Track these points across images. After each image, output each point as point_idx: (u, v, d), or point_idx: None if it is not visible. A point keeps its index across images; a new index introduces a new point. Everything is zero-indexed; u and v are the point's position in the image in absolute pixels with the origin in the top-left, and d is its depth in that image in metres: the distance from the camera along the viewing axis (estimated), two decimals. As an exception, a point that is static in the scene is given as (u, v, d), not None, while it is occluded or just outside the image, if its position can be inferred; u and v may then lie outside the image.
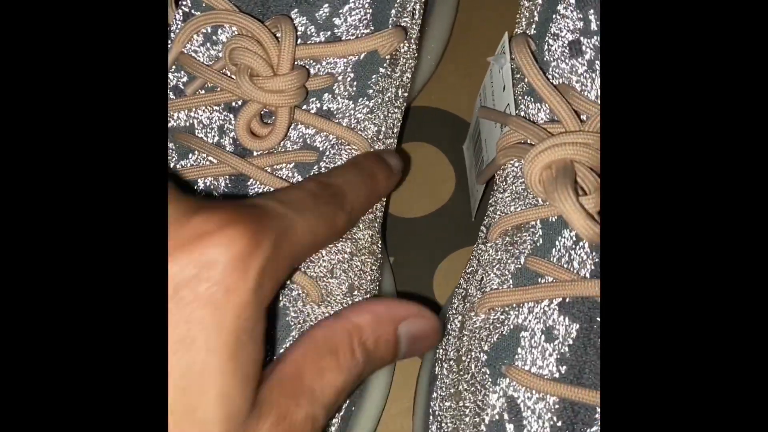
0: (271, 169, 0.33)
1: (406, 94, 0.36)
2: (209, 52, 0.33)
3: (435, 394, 0.34)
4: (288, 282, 0.32)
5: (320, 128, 0.33)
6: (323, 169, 0.33)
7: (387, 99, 0.34)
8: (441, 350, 0.35)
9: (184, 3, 0.34)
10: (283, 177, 0.33)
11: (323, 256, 0.33)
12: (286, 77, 0.31)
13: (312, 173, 0.33)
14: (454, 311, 0.35)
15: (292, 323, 0.32)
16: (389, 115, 0.35)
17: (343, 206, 0.30)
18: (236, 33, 0.33)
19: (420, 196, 0.43)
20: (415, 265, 0.42)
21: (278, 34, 0.32)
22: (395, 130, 0.36)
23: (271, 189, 0.33)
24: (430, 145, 0.45)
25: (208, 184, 0.33)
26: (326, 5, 0.32)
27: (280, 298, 0.32)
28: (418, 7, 0.35)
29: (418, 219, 0.43)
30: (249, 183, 0.33)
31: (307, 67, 0.33)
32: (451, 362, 0.34)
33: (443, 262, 0.42)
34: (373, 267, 0.35)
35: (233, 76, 0.32)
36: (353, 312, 0.28)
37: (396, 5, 0.34)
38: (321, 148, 0.33)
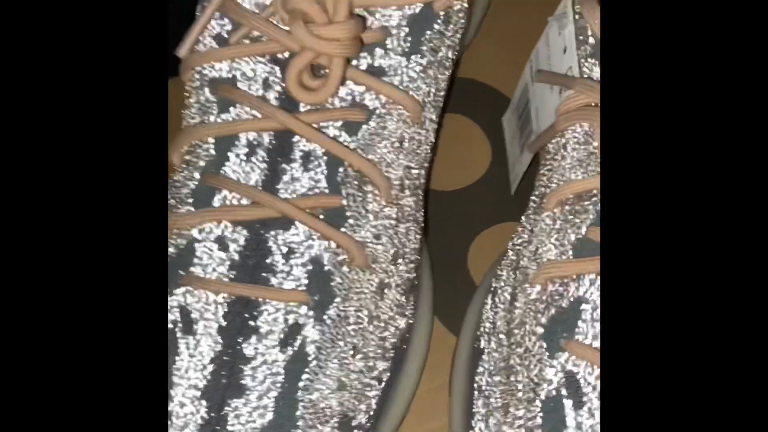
0: (317, 126, 0.31)
1: (454, 57, 0.34)
2: (256, 0, 0.31)
3: (481, 369, 0.32)
4: (335, 245, 0.31)
5: (371, 86, 0.31)
6: (372, 129, 0.31)
7: (439, 59, 0.33)
8: (487, 324, 0.33)
9: (231, -54, 0.32)
10: (330, 135, 0.31)
11: (370, 220, 0.31)
12: (342, 25, 0.29)
13: (360, 133, 0.31)
14: (502, 284, 0.33)
15: (338, 289, 0.31)
16: (439, 76, 0.33)
17: None
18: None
19: (454, 169, 0.42)
20: (449, 240, 0.40)
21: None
22: (443, 94, 0.34)
23: (318, 147, 0.31)
24: (465, 117, 0.43)
25: (251, 139, 0.31)
26: None
27: (326, 264, 0.31)
28: None
29: (452, 192, 0.41)
30: (295, 139, 0.31)
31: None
32: (501, 335, 0.32)
33: (478, 237, 0.41)
34: (417, 235, 0.34)
35: (281, 26, 0.31)
36: None
37: None
38: (371, 107, 0.32)
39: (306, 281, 0.30)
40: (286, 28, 0.31)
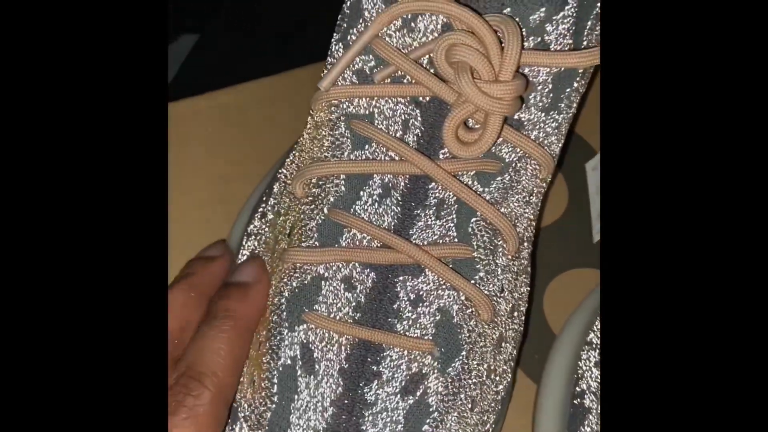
0: (453, 174, 0.31)
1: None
2: (404, 39, 0.31)
3: (588, 429, 0.32)
4: (464, 297, 0.31)
5: (509, 139, 0.31)
6: (506, 181, 0.31)
7: (571, 114, 0.33)
8: (592, 383, 0.33)
9: (386, -19, 0.31)
10: (465, 184, 0.31)
11: (498, 275, 0.31)
12: (508, 85, 0.29)
13: (493, 184, 0.31)
14: None
15: (464, 342, 0.30)
16: (567, 132, 0.33)
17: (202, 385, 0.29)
18: (442, 23, 0.30)
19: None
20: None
21: (501, 36, 0.30)
22: (560, 152, 0.34)
23: (450, 195, 0.31)
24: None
25: (386, 180, 0.31)
26: (542, 10, 0.30)
27: (454, 316, 0.30)
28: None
29: (528, 232, 0.42)
30: (431, 186, 0.31)
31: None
32: None
33: (553, 282, 0.41)
34: (528, 287, 0.34)
35: (428, 68, 0.30)
36: None
37: (591, 18, 0.32)
38: (507, 160, 0.31)
39: (433, 331, 0.30)
40: (425, 70, 0.30)
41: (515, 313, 0.32)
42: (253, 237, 0.34)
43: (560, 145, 0.33)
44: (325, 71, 0.32)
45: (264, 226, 0.34)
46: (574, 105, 0.33)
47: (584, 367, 0.34)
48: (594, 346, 0.34)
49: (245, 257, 0.34)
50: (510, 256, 0.32)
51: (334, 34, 0.33)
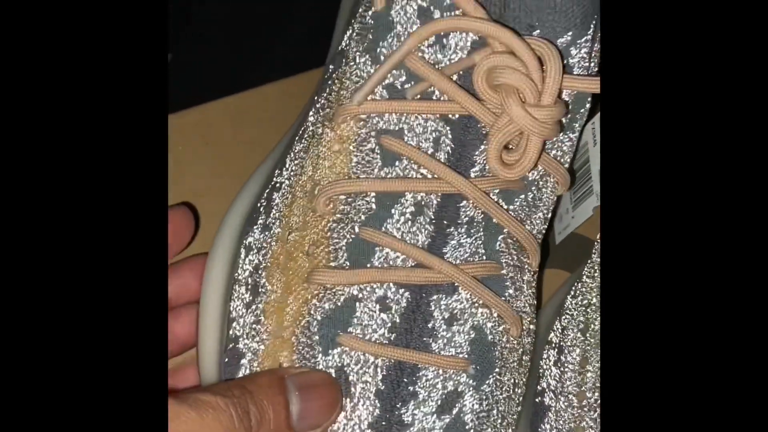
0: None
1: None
2: (435, 55, 0.30)
3: (548, 426, 0.34)
4: (496, 315, 0.31)
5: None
6: (528, 199, 0.32)
7: (578, 135, 0.33)
8: (552, 381, 0.35)
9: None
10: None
11: (524, 291, 0.32)
12: (552, 109, 0.29)
13: (517, 202, 0.32)
14: (569, 343, 0.35)
15: (497, 359, 0.31)
16: (575, 150, 0.34)
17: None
18: (471, 40, 0.30)
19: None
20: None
21: (542, 59, 0.30)
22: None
23: (478, 213, 0.31)
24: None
25: (419, 198, 0.30)
26: (569, 33, 0.31)
27: (488, 333, 0.31)
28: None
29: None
30: (462, 204, 0.31)
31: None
32: (571, 396, 0.34)
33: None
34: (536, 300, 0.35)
35: (461, 85, 0.30)
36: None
37: (598, 40, 0.33)
38: (530, 177, 0.32)
39: (468, 348, 0.30)
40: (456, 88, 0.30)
41: (532, 327, 0.33)
42: (255, 251, 0.33)
43: (570, 164, 0.33)
44: (339, 84, 0.31)
45: (270, 241, 0.32)
46: (583, 123, 0.34)
47: (545, 366, 0.35)
48: (554, 345, 0.36)
49: (248, 272, 0.32)
50: (532, 272, 0.32)
51: (354, 46, 0.32)
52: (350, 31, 0.32)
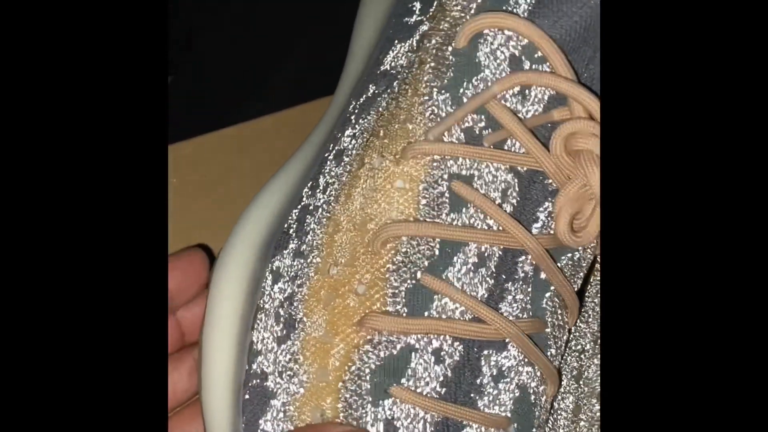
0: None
1: None
2: (516, 105, 0.29)
3: None
4: (540, 373, 0.30)
5: None
6: (575, 258, 0.31)
7: None
8: (546, 429, 0.34)
9: (512, 44, 0.29)
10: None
11: (561, 349, 0.31)
12: None
13: (564, 260, 0.31)
14: (563, 390, 0.35)
15: (536, 417, 0.30)
16: None
17: None
18: (549, 94, 0.29)
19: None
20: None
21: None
22: None
23: (531, 269, 0.30)
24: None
25: (483, 249, 0.29)
26: None
27: (531, 393, 0.30)
28: None
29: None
30: (520, 258, 0.30)
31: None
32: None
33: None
34: None
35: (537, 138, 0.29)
36: None
37: None
38: None
39: (511, 407, 0.30)
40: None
41: (563, 379, 0.33)
42: (288, 279, 0.30)
43: None
44: (405, 115, 0.30)
45: (306, 270, 0.30)
46: None
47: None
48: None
49: (277, 302, 0.30)
50: (569, 330, 0.32)
51: (430, 80, 0.30)
52: (401, 48, 0.31)
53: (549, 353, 0.31)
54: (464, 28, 0.30)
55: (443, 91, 0.30)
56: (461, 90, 0.29)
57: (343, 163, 0.31)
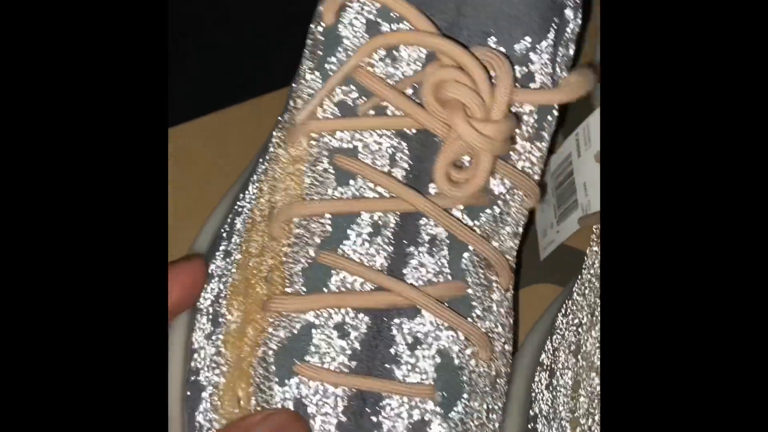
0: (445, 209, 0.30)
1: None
2: (387, 69, 0.29)
3: None
4: (463, 337, 0.29)
5: (497, 170, 0.30)
6: (495, 214, 0.30)
7: (548, 144, 0.32)
8: (544, 406, 0.33)
9: (367, 9, 0.29)
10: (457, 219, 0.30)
11: (493, 311, 0.30)
12: (500, 124, 0.28)
13: (483, 218, 0.30)
14: (560, 366, 0.33)
15: (466, 384, 0.29)
16: (545, 162, 0.33)
17: None
18: (426, 52, 0.29)
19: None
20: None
21: (491, 72, 0.28)
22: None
23: (441, 231, 0.30)
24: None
25: (376, 218, 0.29)
26: (527, 39, 0.29)
27: (455, 357, 0.29)
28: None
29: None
30: (422, 222, 0.29)
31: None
32: (564, 423, 0.32)
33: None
34: (512, 320, 0.33)
35: (414, 99, 0.29)
36: None
37: (562, 44, 0.32)
38: (495, 192, 0.30)
39: (433, 374, 0.29)
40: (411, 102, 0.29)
41: (507, 348, 0.32)
42: (217, 279, 0.32)
43: (540, 175, 0.32)
44: (293, 103, 0.30)
45: (230, 267, 0.31)
46: (551, 132, 0.32)
47: (537, 390, 0.34)
48: (545, 367, 0.34)
49: (209, 301, 0.31)
50: (502, 291, 0.31)
51: (305, 63, 0.31)
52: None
53: (474, 314, 0.30)
54: (326, 4, 0.30)
55: (314, 71, 0.30)
56: (327, 66, 0.30)
57: (263, 161, 0.32)
